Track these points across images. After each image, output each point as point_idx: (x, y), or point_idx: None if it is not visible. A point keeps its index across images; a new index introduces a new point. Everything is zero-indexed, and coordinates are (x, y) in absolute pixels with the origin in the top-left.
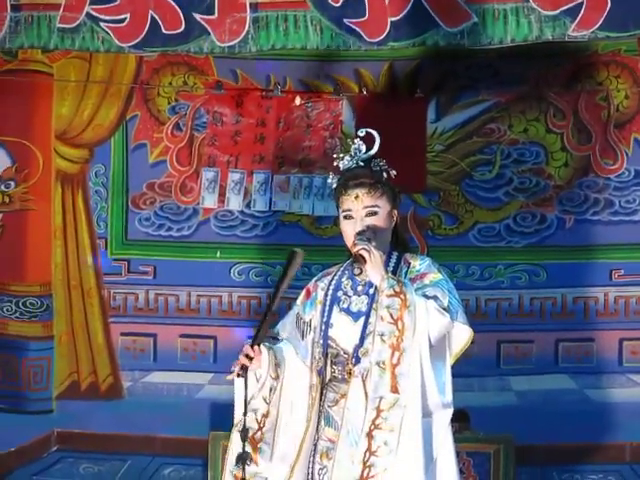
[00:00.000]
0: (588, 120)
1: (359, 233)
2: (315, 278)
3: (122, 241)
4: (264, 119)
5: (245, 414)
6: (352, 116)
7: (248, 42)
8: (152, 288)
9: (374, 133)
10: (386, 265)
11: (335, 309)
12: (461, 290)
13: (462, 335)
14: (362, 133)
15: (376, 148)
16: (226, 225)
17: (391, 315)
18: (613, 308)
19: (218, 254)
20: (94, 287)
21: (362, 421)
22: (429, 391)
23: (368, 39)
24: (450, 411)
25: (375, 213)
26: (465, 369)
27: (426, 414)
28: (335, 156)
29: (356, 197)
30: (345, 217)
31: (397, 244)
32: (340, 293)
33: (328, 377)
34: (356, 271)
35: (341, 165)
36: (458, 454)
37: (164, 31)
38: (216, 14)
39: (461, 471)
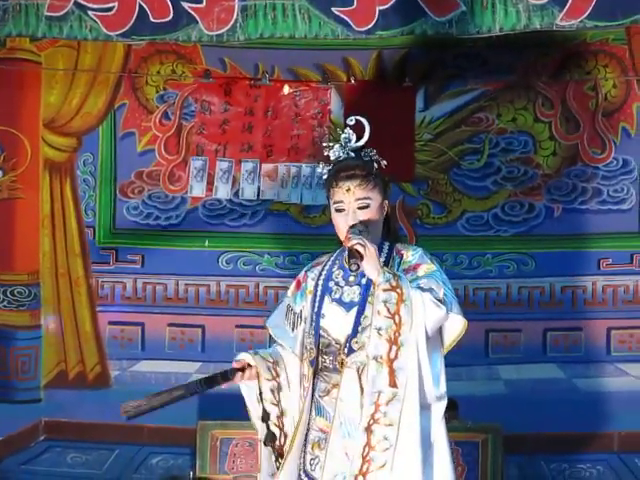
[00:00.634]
0: (576, 109)
1: (352, 227)
2: (305, 268)
3: (110, 230)
4: (252, 108)
5: (261, 401)
6: (340, 105)
7: (236, 31)
8: (140, 277)
9: (364, 121)
10: (378, 256)
11: (326, 299)
12: (449, 279)
13: (456, 326)
14: (352, 122)
15: (366, 137)
16: (214, 214)
17: (388, 309)
18: (601, 297)
19: (206, 243)
20: (82, 276)
21: (356, 413)
22: (426, 384)
23: (356, 28)
24: (444, 402)
25: (367, 206)
26: (453, 358)
27: (423, 407)
28: (325, 145)
29: (348, 190)
30: (337, 210)
31: (388, 234)
32: (331, 283)
33: (319, 367)
34: (353, 267)
35: (331, 155)
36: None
37: (152, 19)
38: (204, 3)
39: None
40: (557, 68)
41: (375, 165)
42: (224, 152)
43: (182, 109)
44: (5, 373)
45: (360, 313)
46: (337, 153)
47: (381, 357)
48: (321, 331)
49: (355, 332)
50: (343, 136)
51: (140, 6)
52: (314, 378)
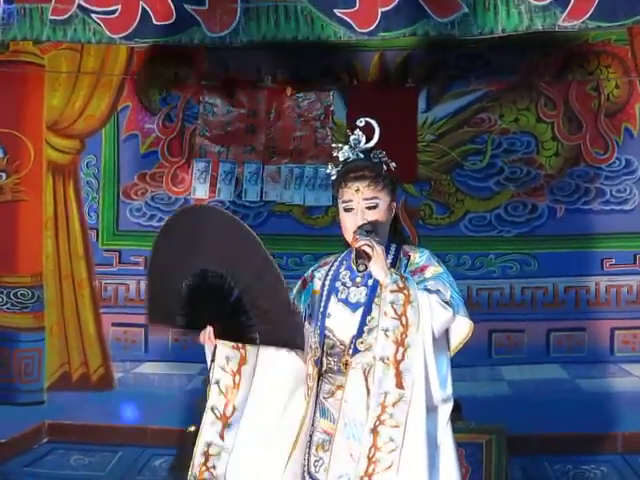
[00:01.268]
0: (579, 110)
1: (360, 227)
2: (312, 268)
3: (113, 232)
4: (255, 110)
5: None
6: (343, 106)
7: (239, 33)
8: (143, 279)
9: (373, 123)
10: (385, 257)
11: (333, 299)
12: None
13: (462, 328)
14: (361, 123)
15: (376, 139)
16: None
17: (395, 311)
18: (604, 297)
19: None
20: (85, 278)
21: (362, 414)
22: (432, 385)
23: (359, 29)
24: (450, 405)
25: (376, 206)
26: (457, 359)
27: (430, 409)
28: (334, 146)
29: (357, 190)
30: (345, 209)
31: (394, 235)
32: (338, 283)
33: (324, 368)
34: (361, 267)
35: (340, 155)
36: None
37: (155, 22)
38: (207, 5)
39: None
40: (559, 69)
41: (384, 167)
42: (227, 154)
43: (185, 111)
44: (8, 375)
45: (366, 314)
46: (346, 154)
47: (388, 358)
48: (326, 331)
49: (360, 332)
50: (352, 137)
51: (143, 9)
52: (318, 380)
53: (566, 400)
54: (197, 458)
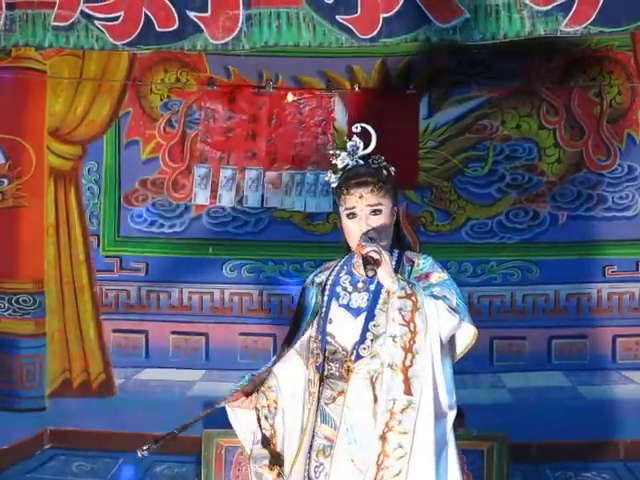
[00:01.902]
0: (581, 116)
1: (364, 234)
2: (313, 273)
3: (114, 238)
4: (256, 116)
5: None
6: (344, 112)
7: (241, 39)
8: (144, 285)
9: (369, 129)
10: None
11: (334, 305)
12: None
13: (467, 334)
14: (357, 129)
15: (374, 144)
16: (218, 222)
17: (403, 317)
18: (606, 304)
19: (210, 250)
20: (86, 284)
21: (363, 419)
22: (440, 392)
23: (360, 35)
24: (454, 412)
25: (380, 212)
26: (458, 366)
27: (437, 415)
28: (331, 153)
29: (360, 196)
30: (348, 216)
31: (397, 240)
32: (339, 289)
33: (325, 374)
34: (370, 273)
35: (339, 162)
36: None
37: (157, 29)
38: (209, 11)
39: None
40: (561, 75)
41: (384, 172)
42: (228, 160)
43: (186, 117)
44: (10, 381)
45: (368, 320)
46: (345, 161)
47: (396, 365)
48: (328, 337)
49: (363, 339)
50: (350, 144)
51: (146, 15)
52: (320, 386)
53: (567, 407)
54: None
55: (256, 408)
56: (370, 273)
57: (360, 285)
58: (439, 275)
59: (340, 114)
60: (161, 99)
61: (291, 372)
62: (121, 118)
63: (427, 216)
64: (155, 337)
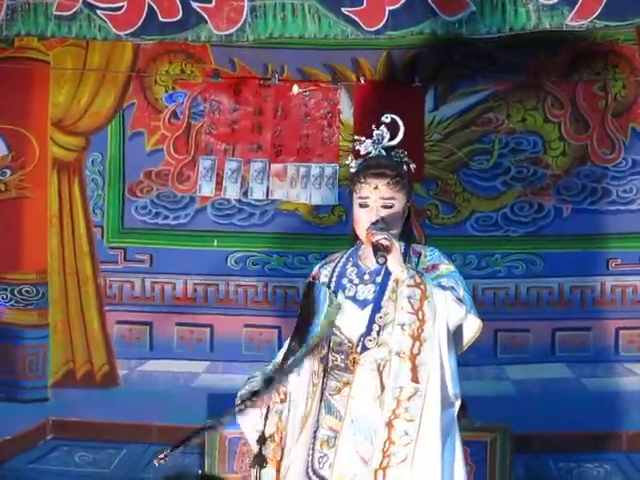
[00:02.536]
0: (586, 109)
1: (373, 223)
2: (319, 265)
3: (118, 229)
4: (261, 108)
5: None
6: (350, 105)
7: (246, 30)
8: (148, 276)
9: (399, 121)
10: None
11: (340, 296)
12: None
13: (472, 327)
14: (387, 119)
15: (400, 137)
16: (223, 213)
17: (412, 305)
18: (610, 297)
19: (215, 242)
20: (90, 275)
21: (369, 410)
22: (447, 381)
23: (366, 28)
24: (459, 402)
25: (392, 206)
26: (462, 358)
27: (443, 404)
28: (356, 139)
29: (375, 187)
30: (361, 205)
31: (404, 235)
32: (345, 280)
33: (330, 365)
34: (380, 260)
35: (362, 149)
36: None
37: (161, 19)
38: (213, 2)
39: None
40: (567, 68)
41: (405, 167)
42: (233, 152)
43: (191, 109)
44: (13, 372)
45: (375, 311)
46: (368, 148)
47: (404, 353)
48: (333, 329)
49: (369, 330)
50: (377, 132)
51: (149, 6)
52: (324, 377)
53: (571, 399)
54: None
55: (268, 406)
56: (381, 260)
57: (367, 277)
58: (446, 267)
59: (346, 107)
60: (166, 90)
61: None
62: (125, 109)
63: (432, 209)
64: (159, 328)
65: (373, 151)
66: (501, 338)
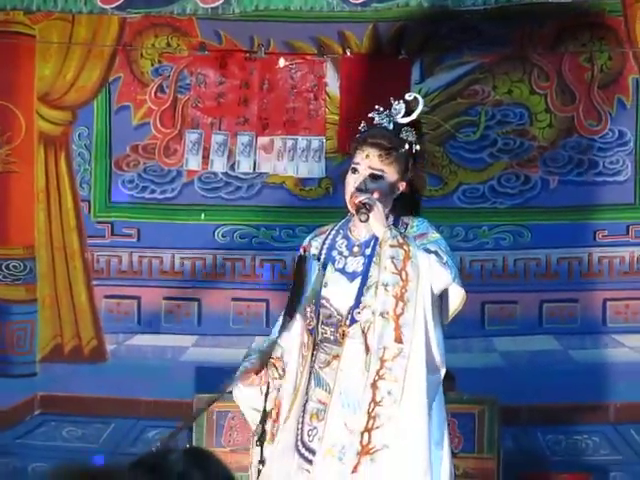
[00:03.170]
0: (572, 81)
1: (357, 188)
2: (309, 237)
3: (105, 203)
4: (248, 81)
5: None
6: (336, 78)
7: (231, 3)
8: (136, 251)
9: (420, 101)
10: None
11: (329, 268)
12: None
13: (457, 296)
14: (410, 97)
15: (414, 116)
16: (210, 187)
17: (395, 265)
18: (597, 269)
19: (202, 216)
20: (77, 250)
21: (358, 383)
22: (432, 345)
23: (352, 0)
24: (444, 370)
25: (379, 177)
26: (450, 330)
27: (429, 368)
28: (376, 108)
29: (367, 156)
30: (352, 170)
31: (393, 211)
32: (335, 252)
33: (319, 337)
34: (363, 217)
35: (376, 118)
36: None
37: None
38: None
39: None
40: (553, 40)
41: (406, 146)
42: (219, 125)
43: (177, 82)
44: (1, 347)
45: (363, 284)
46: (381, 118)
47: (387, 313)
48: (323, 300)
49: (358, 303)
50: (396, 105)
51: None
52: (313, 349)
53: (558, 371)
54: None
55: (267, 383)
56: (363, 217)
57: (356, 249)
58: (433, 235)
59: (332, 79)
60: (152, 64)
61: (293, 338)
62: (111, 83)
63: None
64: (147, 303)
65: (384, 123)
66: (488, 310)
